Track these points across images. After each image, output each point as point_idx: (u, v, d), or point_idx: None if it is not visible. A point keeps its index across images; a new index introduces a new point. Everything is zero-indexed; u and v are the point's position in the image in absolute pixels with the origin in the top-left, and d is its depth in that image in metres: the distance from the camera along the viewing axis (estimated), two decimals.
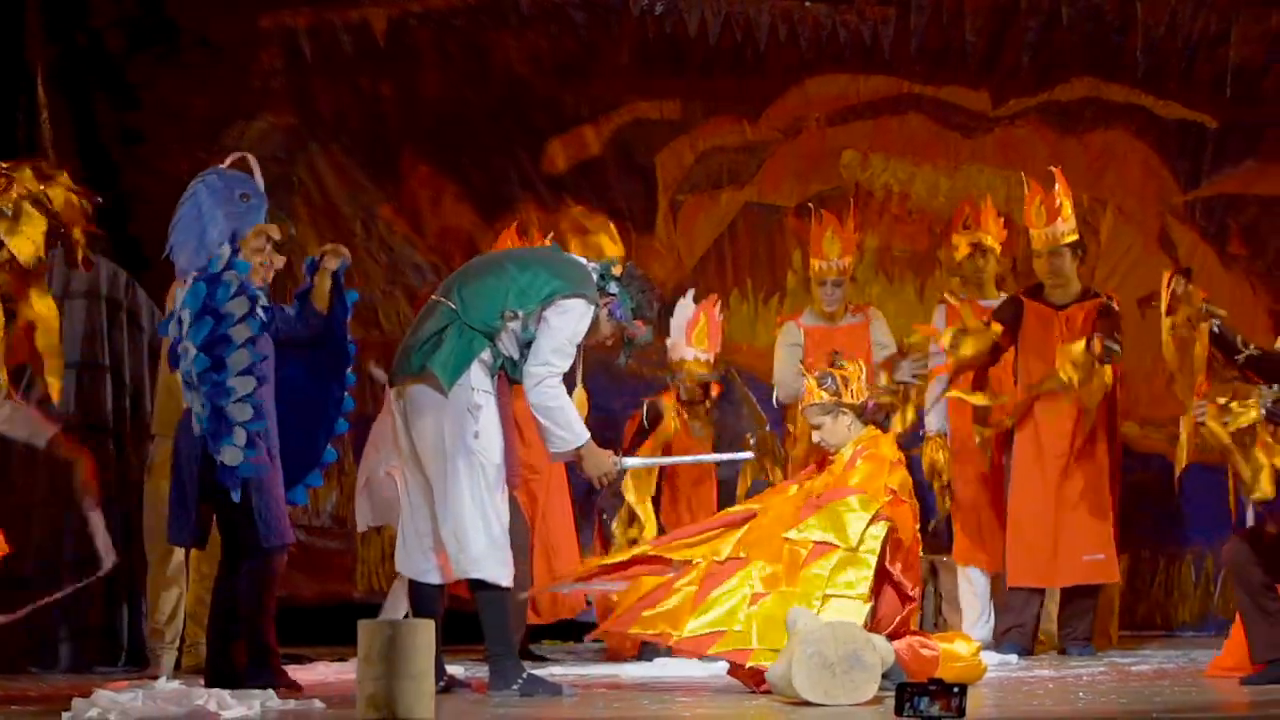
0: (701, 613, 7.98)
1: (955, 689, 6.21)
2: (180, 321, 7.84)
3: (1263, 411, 8.21)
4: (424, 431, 7.94)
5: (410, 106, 11.87)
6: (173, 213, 8.11)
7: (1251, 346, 8.33)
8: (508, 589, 8.00)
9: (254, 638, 8.00)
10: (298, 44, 11.79)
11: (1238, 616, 8.43)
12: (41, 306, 8.11)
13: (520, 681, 7.96)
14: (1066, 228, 10.14)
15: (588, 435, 8.13)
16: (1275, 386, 8.23)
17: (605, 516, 10.24)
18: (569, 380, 8.32)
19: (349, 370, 8.39)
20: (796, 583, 7.92)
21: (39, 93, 11.09)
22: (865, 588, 7.88)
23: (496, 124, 11.89)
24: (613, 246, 10.29)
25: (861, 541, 7.94)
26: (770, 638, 7.78)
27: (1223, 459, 8.37)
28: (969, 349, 10.01)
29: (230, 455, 7.77)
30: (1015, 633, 9.99)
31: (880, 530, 7.97)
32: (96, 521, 8.21)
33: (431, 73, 11.87)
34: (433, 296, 8.21)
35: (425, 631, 6.76)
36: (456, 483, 7.88)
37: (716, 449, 10.12)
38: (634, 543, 9.57)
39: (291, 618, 8.55)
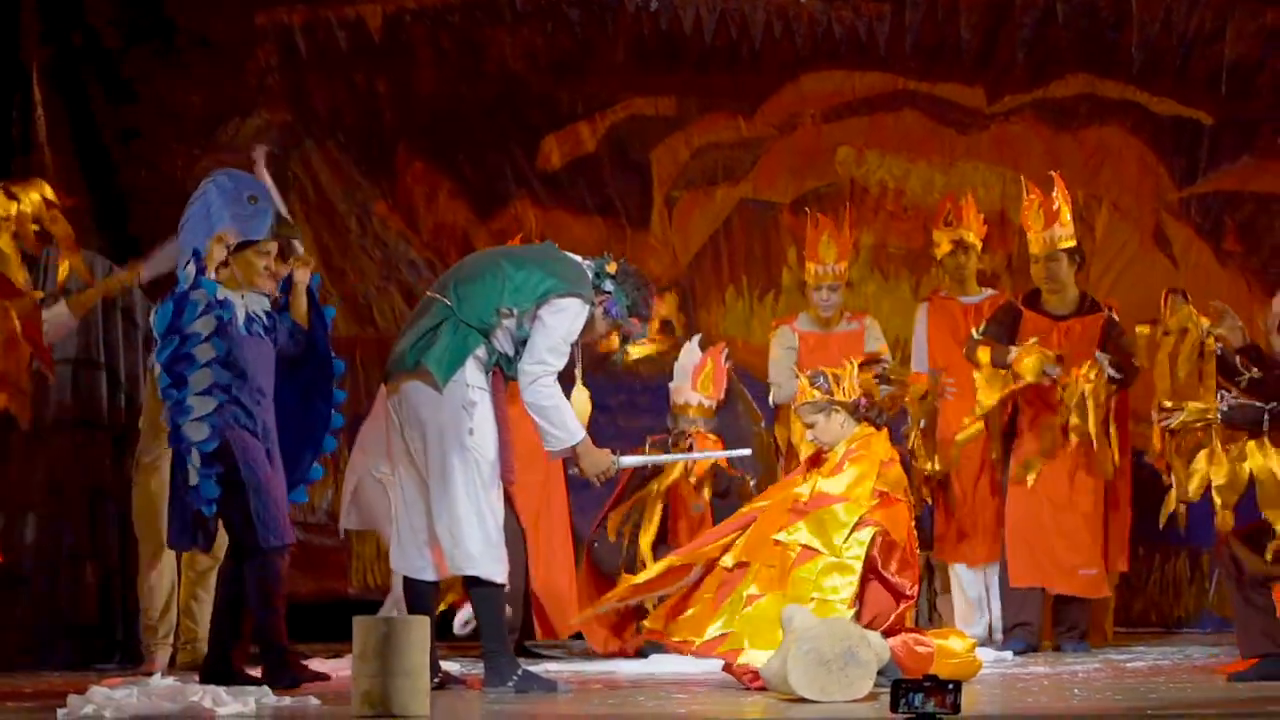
0: (716, 619, 8.12)
1: (950, 685, 6.21)
2: (155, 340, 8.00)
3: (1219, 415, 8.26)
4: (419, 428, 7.94)
5: (405, 103, 11.87)
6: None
7: (1253, 370, 8.34)
8: (502, 585, 8.01)
9: (267, 639, 8.03)
10: (293, 40, 11.79)
11: None
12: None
13: (515, 678, 7.96)
14: (1064, 233, 10.12)
15: (584, 434, 8.14)
16: (1274, 404, 8.26)
17: (596, 545, 10.25)
18: (567, 378, 8.32)
19: (335, 386, 8.41)
20: (787, 585, 7.99)
21: (35, 90, 11.08)
22: (849, 593, 7.94)
23: (492, 120, 11.89)
24: None
25: (846, 549, 7.99)
26: (760, 636, 7.89)
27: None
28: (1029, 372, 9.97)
29: (190, 474, 7.89)
30: (1021, 630, 9.98)
31: (866, 535, 8.01)
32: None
33: (427, 69, 11.87)
34: (428, 293, 8.22)
35: (420, 628, 6.77)
36: (451, 479, 7.88)
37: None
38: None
39: (287, 614, 8.53)
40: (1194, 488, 8.36)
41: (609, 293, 8.14)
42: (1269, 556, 8.18)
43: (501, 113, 11.88)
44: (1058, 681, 8.36)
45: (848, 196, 11.68)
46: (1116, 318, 10.12)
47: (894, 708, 6.16)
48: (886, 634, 7.84)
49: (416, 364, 7.94)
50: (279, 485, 8.06)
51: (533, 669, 8.30)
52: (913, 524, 8.26)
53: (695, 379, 10.21)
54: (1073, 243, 10.18)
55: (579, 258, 8.26)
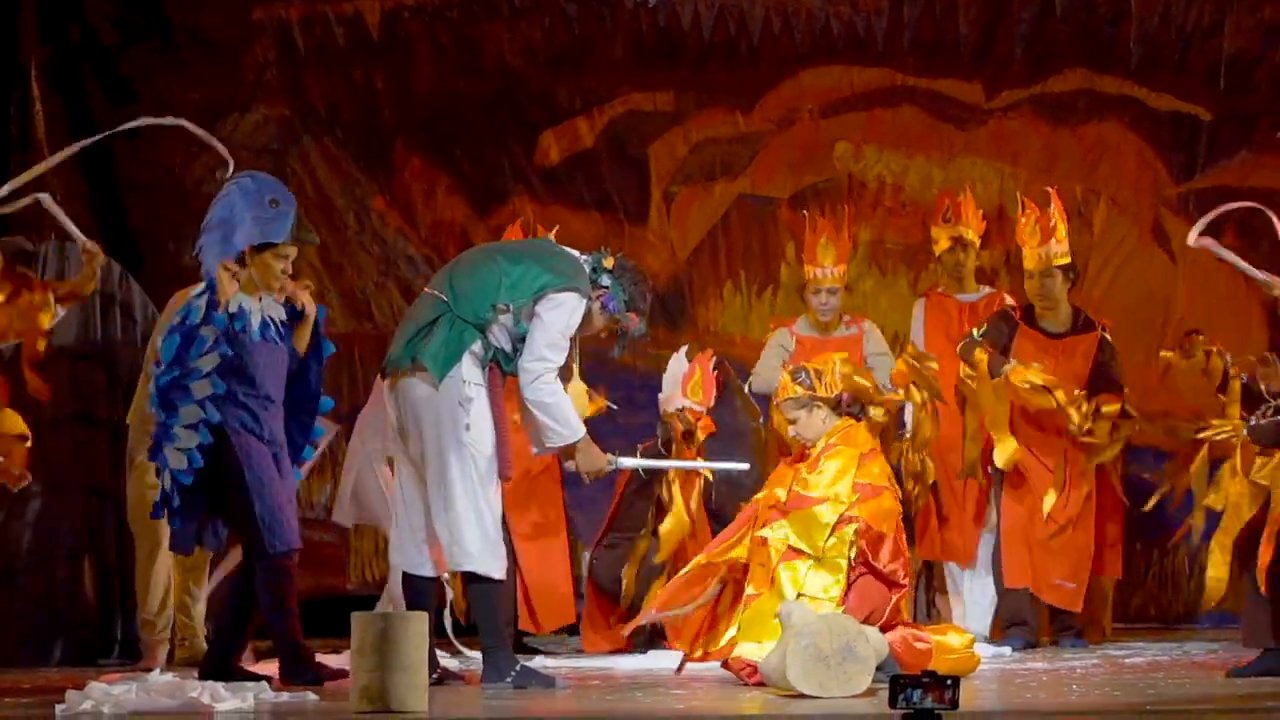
0: (732, 625, 8.20)
1: (948, 681, 6.20)
2: (158, 364, 8.01)
3: (1245, 430, 8.34)
4: (416, 424, 7.93)
5: (403, 99, 11.86)
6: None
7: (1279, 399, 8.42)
8: (500, 581, 8.01)
9: (284, 640, 8.02)
10: (291, 36, 11.79)
11: None
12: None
13: (513, 673, 7.96)
14: (1060, 249, 10.11)
15: (584, 430, 8.14)
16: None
17: (595, 561, 10.24)
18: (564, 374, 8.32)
19: (318, 423, 8.37)
20: (778, 583, 8.05)
21: (33, 87, 11.08)
22: (838, 592, 7.99)
23: (490, 116, 11.89)
24: None
25: (830, 548, 8.02)
26: (752, 632, 7.96)
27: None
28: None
29: (165, 479, 7.93)
30: (1019, 629, 9.98)
31: (848, 531, 8.03)
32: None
33: (425, 65, 11.87)
34: (425, 289, 8.21)
35: (418, 624, 6.77)
36: (449, 475, 7.88)
37: (713, 447, 10.11)
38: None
39: None
40: (1213, 499, 8.51)
41: (606, 288, 8.13)
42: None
43: (500, 108, 11.88)
44: (1056, 677, 8.36)
45: (846, 192, 11.68)
46: (1110, 337, 10.15)
47: (892, 703, 6.16)
48: (884, 628, 7.86)
49: (413, 360, 7.93)
50: (285, 490, 8.05)
51: (531, 664, 8.30)
52: (900, 511, 8.29)
53: (685, 386, 10.19)
54: (1068, 259, 10.17)
55: (576, 253, 8.25)
